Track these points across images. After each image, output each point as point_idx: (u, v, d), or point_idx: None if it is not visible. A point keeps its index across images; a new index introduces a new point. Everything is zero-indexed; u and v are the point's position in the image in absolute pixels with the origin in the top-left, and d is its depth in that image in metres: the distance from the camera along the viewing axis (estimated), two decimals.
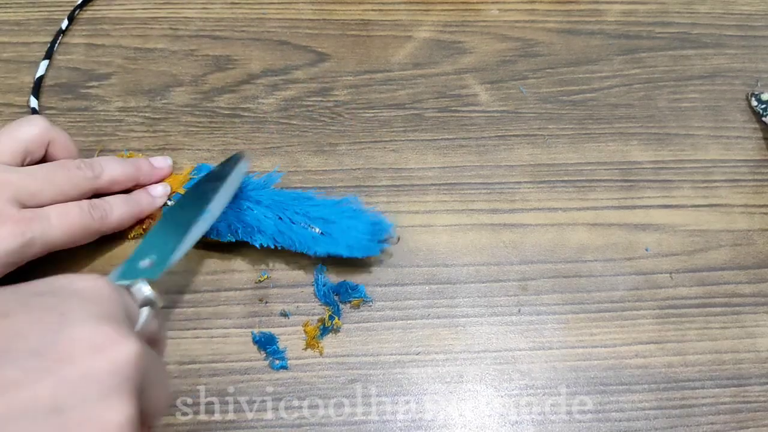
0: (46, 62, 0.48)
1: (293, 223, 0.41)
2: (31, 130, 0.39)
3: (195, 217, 0.37)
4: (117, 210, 0.40)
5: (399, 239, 0.43)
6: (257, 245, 0.41)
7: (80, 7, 0.51)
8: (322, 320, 0.41)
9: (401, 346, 0.41)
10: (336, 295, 0.42)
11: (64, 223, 0.37)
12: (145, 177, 0.42)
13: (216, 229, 0.41)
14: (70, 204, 0.38)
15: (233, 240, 0.41)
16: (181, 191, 0.42)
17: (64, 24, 0.50)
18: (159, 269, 0.33)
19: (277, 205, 0.41)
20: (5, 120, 0.46)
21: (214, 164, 0.43)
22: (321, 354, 0.40)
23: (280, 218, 0.41)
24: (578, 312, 0.42)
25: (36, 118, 0.40)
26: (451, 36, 0.53)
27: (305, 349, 0.40)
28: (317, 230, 0.41)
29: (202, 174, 0.42)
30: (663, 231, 0.46)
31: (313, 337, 0.40)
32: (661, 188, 0.47)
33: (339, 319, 0.41)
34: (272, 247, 0.41)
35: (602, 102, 0.50)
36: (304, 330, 0.40)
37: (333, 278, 0.42)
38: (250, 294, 0.42)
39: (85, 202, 0.39)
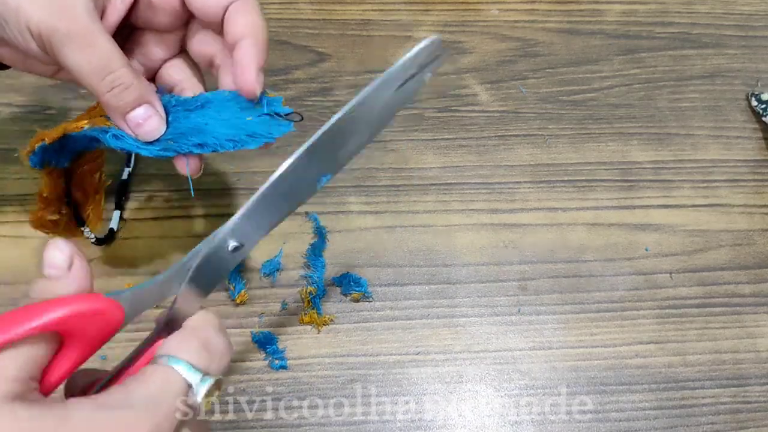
0: None
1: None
2: None
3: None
4: None
5: (302, 117, 0.34)
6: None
7: None
8: (305, 294, 0.41)
9: (401, 346, 0.41)
10: (337, 286, 0.42)
11: None
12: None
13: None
14: None
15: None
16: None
17: None
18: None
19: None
20: None
21: None
22: (333, 320, 0.41)
23: None
24: (578, 312, 0.42)
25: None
26: (451, 36, 0.53)
27: (318, 331, 0.41)
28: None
29: None
30: (663, 231, 0.46)
31: (319, 320, 0.41)
32: (661, 188, 0.47)
33: (313, 287, 0.41)
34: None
35: (602, 102, 0.50)
36: (303, 320, 0.41)
37: (337, 270, 0.42)
38: (250, 294, 0.42)
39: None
